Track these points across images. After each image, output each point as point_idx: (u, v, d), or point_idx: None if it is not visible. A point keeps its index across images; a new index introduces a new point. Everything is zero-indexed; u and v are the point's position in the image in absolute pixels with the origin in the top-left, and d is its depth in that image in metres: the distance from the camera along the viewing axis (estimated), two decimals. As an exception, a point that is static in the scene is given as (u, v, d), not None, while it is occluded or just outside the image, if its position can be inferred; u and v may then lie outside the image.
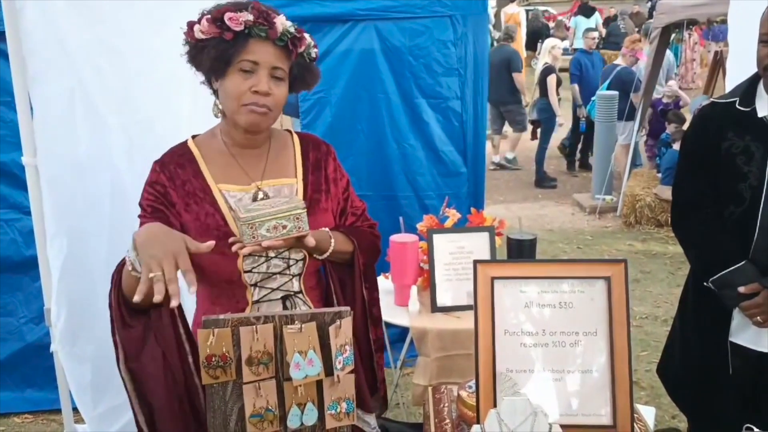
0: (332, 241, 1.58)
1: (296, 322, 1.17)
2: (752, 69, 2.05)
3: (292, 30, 1.48)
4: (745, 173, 1.95)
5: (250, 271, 1.55)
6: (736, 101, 2.00)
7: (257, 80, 1.47)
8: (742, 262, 1.97)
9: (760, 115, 1.94)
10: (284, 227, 1.37)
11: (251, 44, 1.46)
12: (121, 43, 2.29)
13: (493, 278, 1.35)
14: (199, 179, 1.54)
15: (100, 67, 2.32)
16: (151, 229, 1.35)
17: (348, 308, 1.21)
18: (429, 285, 2.54)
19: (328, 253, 1.57)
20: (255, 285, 1.56)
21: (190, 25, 1.49)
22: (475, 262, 1.36)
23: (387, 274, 2.74)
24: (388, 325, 2.89)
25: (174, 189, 1.53)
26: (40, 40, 2.24)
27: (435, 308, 2.51)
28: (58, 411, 3.06)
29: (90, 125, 2.35)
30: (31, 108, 2.33)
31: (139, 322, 1.43)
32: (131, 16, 2.27)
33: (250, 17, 1.44)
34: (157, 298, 1.16)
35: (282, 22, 1.47)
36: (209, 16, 1.46)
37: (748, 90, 2.00)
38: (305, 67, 1.56)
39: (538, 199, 7.25)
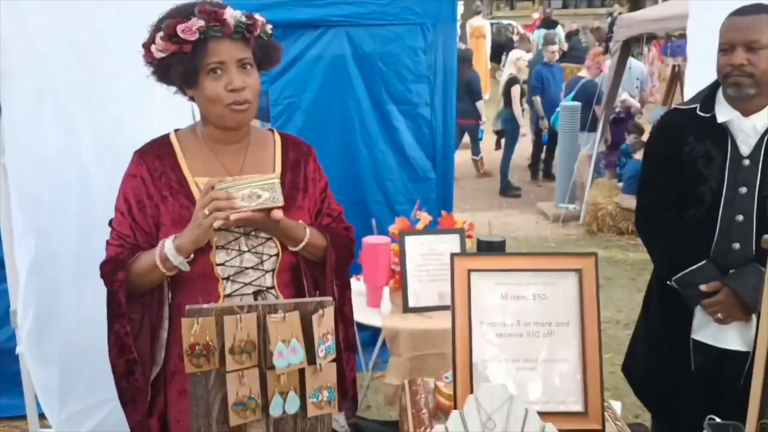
0: (307, 231, 1.60)
1: (279, 311, 1.19)
2: (710, 79, 2.15)
3: (243, 19, 1.50)
4: (705, 177, 2.03)
5: (222, 264, 1.56)
6: (696, 107, 2.09)
7: (229, 78, 1.49)
8: (704, 262, 2.04)
9: (719, 120, 2.02)
10: (259, 196, 1.41)
11: (211, 46, 1.47)
12: (91, 43, 2.28)
13: (469, 270, 1.38)
14: (176, 171, 1.55)
15: (69, 66, 2.30)
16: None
17: (330, 298, 1.24)
18: (401, 286, 2.57)
19: (302, 244, 1.60)
20: (227, 279, 1.57)
21: (146, 46, 1.50)
22: (452, 255, 1.40)
23: (359, 276, 2.77)
24: (360, 327, 2.92)
25: (152, 180, 1.56)
26: (8, 38, 2.21)
27: (407, 309, 2.54)
28: (21, 417, 3.00)
29: (59, 124, 2.33)
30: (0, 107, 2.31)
31: (137, 310, 1.56)
32: (102, 15, 2.27)
33: (202, 23, 1.45)
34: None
35: (231, 15, 1.48)
36: (162, 33, 1.46)
37: (708, 97, 2.08)
38: (267, 46, 1.58)
39: (502, 207, 7.36)
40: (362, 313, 2.62)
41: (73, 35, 2.28)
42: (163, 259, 1.47)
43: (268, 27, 1.58)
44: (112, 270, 1.55)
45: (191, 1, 1.53)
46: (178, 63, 1.48)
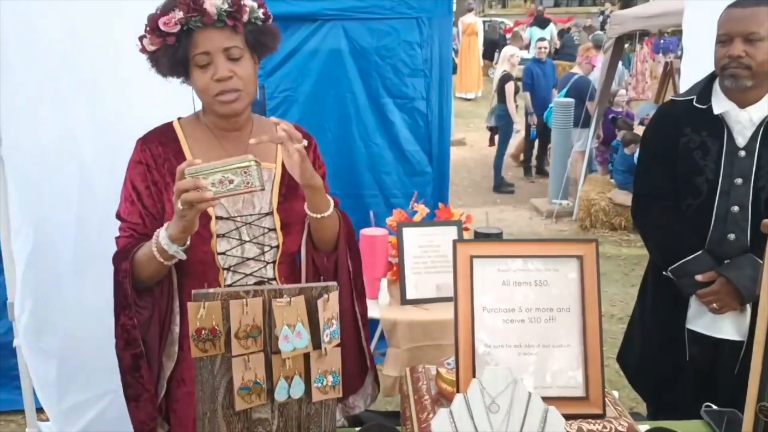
0: (331, 203, 1.62)
1: (285, 295, 1.19)
2: (705, 71, 2.16)
3: (225, 6, 1.46)
4: (701, 167, 2.05)
5: (224, 254, 1.56)
6: (693, 99, 2.11)
7: (215, 68, 1.48)
8: (699, 252, 2.07)
9: (715, 112, 2.04)
10: (231, 181, 1.33)
11: (195, 37, 1.47)
12: (91, 35, 2.27)
13: (472, 257, 1.39)
14: (180, 159, 1.55)
15: (69, 58, 2.29)
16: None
17: (335, 283, 1.24)
18: (398, 278, 2.58)
19: (329, 211, 1.61)
20: (228, 269, 1.58)
21: (141, 39, 1.51)
22: (455, 241, 1.41)
23: (357, 268, 2.78)
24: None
25: (156, 166, 1.56)
26: (8, 31, 2.21)
27: (404, 300, 2.55)
28: (17, 411, 3.00)
29: (58, 117, 2.32)
30: (-2, 98, 2.30)
31: (147, 303, 1.54)
32: (102, 8, 2.26)
33: (181, 14, 1.44)
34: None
35: (212, 4, 1.45)
36: (148, 27, 1.47)
37: (705, 88, 2.10)
38: (260, 32, 1.55)
39: (496, 203, 7.38)
40: (360, 305, 2.62)
41: (73, 28, 2.27)
42: (160, 249, 1.44)
43: (260, 12, 1.53)
44: (118, 260, 1.53)
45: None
46: (164, 56, 1.49)
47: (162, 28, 1.44)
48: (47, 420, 2.61)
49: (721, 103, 2.04)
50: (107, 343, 2.44)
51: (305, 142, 1.53)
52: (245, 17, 1.50)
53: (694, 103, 2.09)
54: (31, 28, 2.23)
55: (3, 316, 2.83)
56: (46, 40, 2.24)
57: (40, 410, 2.61)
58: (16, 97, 2.28)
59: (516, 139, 8.26)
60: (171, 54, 1.48)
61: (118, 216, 1.60)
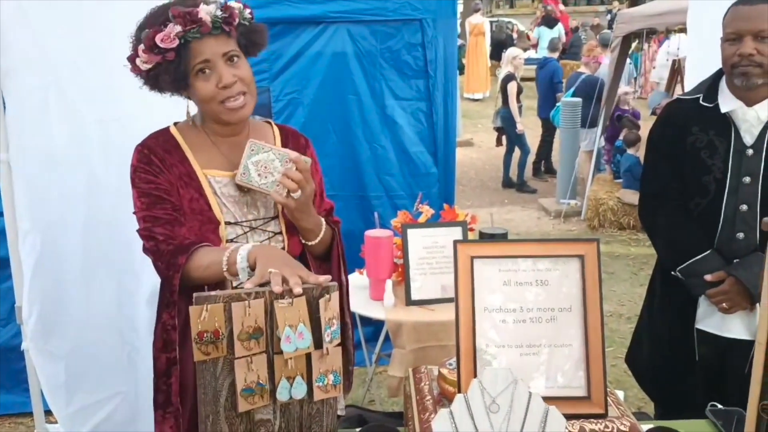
0: (322, 229, 1.64)
1: (286, 296, 1.20)
2: (710, 70, 2.15)
3: (219, 13, 1.46)
4: (709, 166, 2.04)
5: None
6: (699, 97, 2.09)
7: (219, 75, 1.48)
8: (708, 252, 2.05)
9: (723, 110, 2.02)
10: (270, 173, 1.51)
11: (193, 48, 1.46)
12: (97, 39, 2.28)
13: (472, 257, 1.40)
14: (186, 165, 1.56)
15: (76, 63, 2.31)
16: (273, 251, 1.42)
17: (335, 283, 1.24)
18: (403, 279, 2.59)
19: (320, 236, 1.63)
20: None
21: (131, 59, 1.49)
22: (455, 241, 1.41)
23: (362, 270, 2.79)
24: (363, 323, 2.94)
25: (165, 170, 1.54)
26: (14, 34, 2.22)
27: (409, 301, 2.56)
28: (26, 414, 3.02)
29: (65, 121, 2.34)
30: (4, 104, 2.32)
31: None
32: (107, 11, 2.27)
33: (179, 28, 1.43)
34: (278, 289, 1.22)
35: (206, 12, 1.45)
36: (143, 46, 1.45)
37: (711, 87, 2.08)
38: (249, 32, 1.55)
39: (504, 204, 7.37)
40: (365, 306, 2.63)
41: (81, 33, 2.28)
42: (231, 261, 1.38)
43: (247, 12, 1.54)
44: (171, 254, 1.47)
45: (164, 2, 1.50)
46: (165, 72, 1.47)
47: (160, 44, 1.42)
48: (56, 422, 2.64)
49: (728, 102, 2.03)
50: (115, 345, 2.49)
51: (309, 161, 1.54)
52: (236, 21, 1.51)
53: (701, 101, 2.08)
54: (37, 33, 2.25)
55: (11, 320, 2.86)
56: (49, 45, 2.26)
57: (48, 413, 2.63)
58: (22, 102, 2.30)
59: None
60: (173, 69, 1.46)
61: (138, 217, 1.55)
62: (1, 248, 2.84)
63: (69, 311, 2.42)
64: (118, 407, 2.51)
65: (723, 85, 2.07)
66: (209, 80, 1.49)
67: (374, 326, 3.14)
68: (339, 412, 1.68)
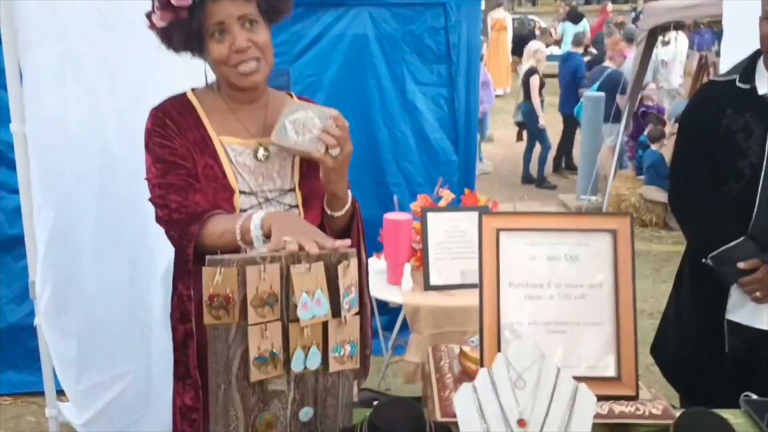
0: (349, 201, 1.58)
1: (303, 261, 1.15)
2: (746, 52, 2.07)
3: None
4: (744, 150, 1.96)
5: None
6: (735, 79, 2.01)
7: (232, 38, 1.44)
8: (741, 238, 1.97)
9: (760, 92, 1.95)
10: (309, 130, 1.44)
11: (208, 8, 1.42)
12: (113, 12, 2.26)
13: (498, 230, 1.33)
14: (201, 130, 1.51)
15: (92, 35, 2.29)
16: (288, 217, 1.43)
17: (354, 250, 1.19)
18: (421, 265, 2.52)
19: (346, 207, 1.57)
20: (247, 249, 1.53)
21: (149, 15, 1.46)
22: (480, 213, 1.35)
23: (380, 254, 2.73)
24: (380, 311, 2.88)
25: (180, 135, 1.49)
26: (31, 8, 2.20)
27: (428, 286, 2.49)
28: (38, 393, 3.00)
29: (81, 94, 2.32)
30: (21, 75, 2.29)
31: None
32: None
33: None
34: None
35: None
36: (158, 3, 1.42)
37: (748, 68, 2.01)
38: None
39: (523, 199, 7.27)
40: (383, 291, 2.58)
41: (97, 6, 2.26)
42: (245, 228, 1.33)
43: None
44: (184, 223, 1.43)
45: None
46: (177, 31, 1.44)
47: (173, 2, 1.39)
48: (67, 401, 2.61)
49: (765, 83, 1.95)
50: (127, 323, 2.46)
51: (338, 150, 1.46)
52: None
53: (737, 83, 2.00)
54: (54, 5, 2.22)
55: (25, 299, 2.84)
56: (66, 17, 2.24)
57: (60, 392, 2.60)
58: (38, 77, 2.28)
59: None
60: (186, 28, 1.43)
61: (151, 185, 1.50)
62: (15, 226, 2.84)
63: (81, 287, 2.39)
64: (129, 386, 2.48)
65: (761, 65, 1.99)
66: (223, 43, 1.45)
67: (390, 315, 3.08)
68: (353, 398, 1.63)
